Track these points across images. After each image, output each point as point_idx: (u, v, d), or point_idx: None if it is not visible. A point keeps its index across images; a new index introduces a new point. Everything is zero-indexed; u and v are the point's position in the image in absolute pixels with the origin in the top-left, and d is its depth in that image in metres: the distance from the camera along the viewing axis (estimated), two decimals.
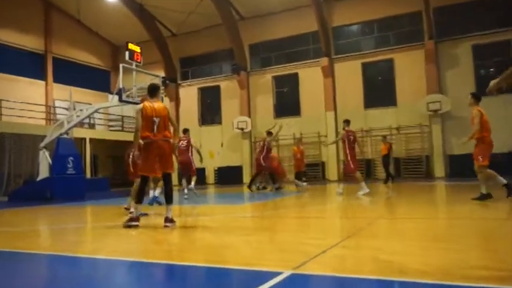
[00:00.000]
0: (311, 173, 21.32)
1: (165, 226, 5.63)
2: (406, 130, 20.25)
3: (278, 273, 2.96)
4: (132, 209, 6.89)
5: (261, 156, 13.36)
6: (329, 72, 21.93)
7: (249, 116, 23.78)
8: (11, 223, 7.58)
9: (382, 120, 20.70)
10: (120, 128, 24.97)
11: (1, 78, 21.47)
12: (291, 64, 23.41)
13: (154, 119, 5.78)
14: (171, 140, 5.92)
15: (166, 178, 5.91)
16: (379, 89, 21.46)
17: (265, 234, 5.07)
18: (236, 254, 3.92)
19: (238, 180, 22.75)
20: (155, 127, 5.78)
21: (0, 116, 18.72)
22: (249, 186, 13.75)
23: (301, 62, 23.12)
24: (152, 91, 6.07)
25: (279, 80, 24.05)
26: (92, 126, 24.04)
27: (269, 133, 13.89)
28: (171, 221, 5.72)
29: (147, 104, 5.85)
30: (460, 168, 18.15)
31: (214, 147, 24.51)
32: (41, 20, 24.45)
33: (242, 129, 23.36)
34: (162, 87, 14.89)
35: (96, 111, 14.88)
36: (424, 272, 2.91)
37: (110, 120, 25.99)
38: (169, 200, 5.83)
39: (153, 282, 3.11)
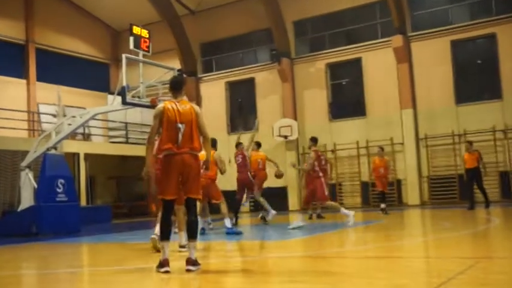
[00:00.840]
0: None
1: (188, 270, 5.70)
2: None
3: None
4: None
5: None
6: (404, 55, 21.64)
7: (295, 119, 23.76)
8: None
9: (481, 120, 20.12)
10: (124, 140, 25.52)
11: None
12: (351, 46, 23.31)
13: (179, 125, 5.84)
14: (201, 154, 5.98)
15: (190, 204, 5.97)
16: (476, 77, 20.95)
17: (322, 281, 5.01)
18: None
19: (281, 206, 22.71)
20: (180, 136, 5.83)
21: None
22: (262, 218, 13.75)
23: (365, 42, 22.98)
24: (176, 87, 6.14)
25: (335, 69, 24.00)
26: (87, 137, 24.73)
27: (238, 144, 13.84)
28: (195, 263, 5.78)
29: (169, 104, 5.91)
30: None
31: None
32: (20, 1, 25.49)
33: (286, 136, 23.33)
34: None
35: (92, 117, 15.29)
36: None
37: (111, 129, 26.62)
38: (193, 234, 5.89)
39: None
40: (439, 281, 4.67)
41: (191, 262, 5.75)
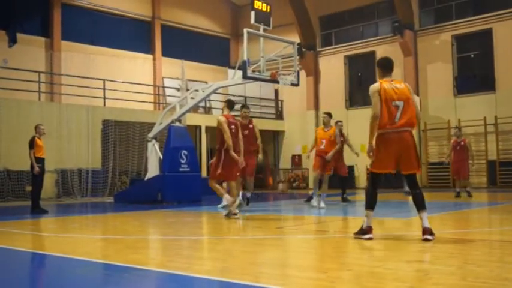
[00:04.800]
0: (510, 176, 19.78)
1: (426, 239, 5.87)
2: None
3: None
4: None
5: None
6: None
7: (417, 94, 22.96)
8: (120, 230, 8.60)
9: None
10: None
11: (101, 53, 24.01)
12: (480, 16, 21.97)
13: (397, 102, 6.07)
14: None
15: (411, 179, 6.26)
16: None
17: (446, 262, 4.87)
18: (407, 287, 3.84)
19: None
20: (398, 114, 6.07)
21: (104, 99, 20.98)
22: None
23: (496, 12, 21.53)
24: (387, 66, 6.40)
25: (462, 41, 22.82)
26: (208, 110, 25.61)
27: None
28: (431, 233, 5.92)
29: (385, 84, 6.16)
30: None
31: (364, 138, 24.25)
32: None
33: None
34: (297, 57, 15.19)
35: (214, 91, 15.77)
36: None
37: None
38: (421, 204, 6.08)
39: None
40: None
41: (428, 231, 5.90)
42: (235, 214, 9.39)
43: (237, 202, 10.23)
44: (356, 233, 6.26)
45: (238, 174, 9.91)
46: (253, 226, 8.82)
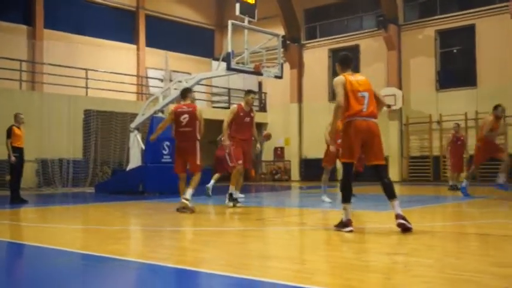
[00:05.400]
0: (490, 171, 20.01)
1: (399, 224, 6.03)
2: None
3: None
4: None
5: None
6: None
7: (400, 88, 23.12)
8: (101, 220, 8.56)
9: None
10: (226, 105, 26.10)
11: (85, 43, 23.79)
12: (464, 12, 22.12)
13: (363, 93, 6.31)
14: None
15: (380, 169, 6.42)
16: None
17: (424, 255, 4.92)
18: (386, 280, 3.89)
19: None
20: (365, 103, 6.29)
21: (86, 89, 20.80)
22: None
23: (479, 8, 21.71)
24: (346, 61, 6.69)
25: (445, 36, 22.97)
26: (193, 102, 25.49)
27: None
28: (404, 218, 6.06)
29: (349, 76, 6.41)
30: None
31: None
32: None
33: (389, 106, 22.79)
34: (281, 50, 15.18)
35: (197, 82, 15.71)
36: None
37: (214, 94, 27.29)
38: (391, 194, 6.30)
39: None
40: None
41: (400, 217, 6.06)
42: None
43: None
44: (336, 226, 6.30)
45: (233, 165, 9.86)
46: (235, 218, 8.82)
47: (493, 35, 21.21)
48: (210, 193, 12.82)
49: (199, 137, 9.19)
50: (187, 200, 8.84)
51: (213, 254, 5.15)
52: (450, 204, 11.23)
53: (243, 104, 10.05)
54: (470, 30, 21.97)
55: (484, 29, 21.50)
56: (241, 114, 9.84)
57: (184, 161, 9.23)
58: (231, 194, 9.87)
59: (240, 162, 9.67)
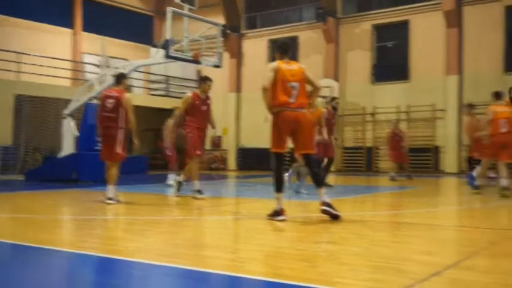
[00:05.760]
0: (419, 162, 20.77)
1: (323, 210, 6.24)
2: None
3: None
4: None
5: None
6: (455, 20, 20.98)
7: (337, 80, 23.54)
8: (30, 209, 8.27)
9: None
10: (164, 93, 25.80)
11: (19, 26, 22.90)
12: (399, 8, 22.73)
13: (293, 84, 6.34)
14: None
15: (307, 159, 6.53)
16: None
17: (351, 243, 5.06)
18: (314, 268, 3.96)
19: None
20: (293, 94, 6.34)
21: (18, 73, 20.03)
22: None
23: (414, 4, 22.36)
24: (284, 48, 6.69)
25: (381, 31, 23.53)
26: (128, 89, 25.04)
27: None
28: (329, 204, 6.25)
29: (283, 65, 6.43)
30: None
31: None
32: None
33: (325, 97, 23.16)
34: (221, 39, 15.14)
35: (135, 69, 15.46)
36: None
37: (152, 81, 26.91)
38: (319, 182, 6.45)
39: None
40: (470, 250, 4.67)
41: (325, 204, 6.24)
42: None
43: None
44: (269, 215, 6.38)
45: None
46: (170, 207, 8.78)
47: (426, 30, 21.92)
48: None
49: (122, 125, 8.70)
50: (110, 199, 8.51)
51: (146, 244, 5.10)
52: (381, 194, 11.59)
53: (198, 91, 9.63)
54: (404, 25, 22.61)
55: (417, 25, 22.19)
56: (197, 102, 9.40)
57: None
58: (179, 182, 9.72)
59: (199, 152, 9.47)
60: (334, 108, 12.37)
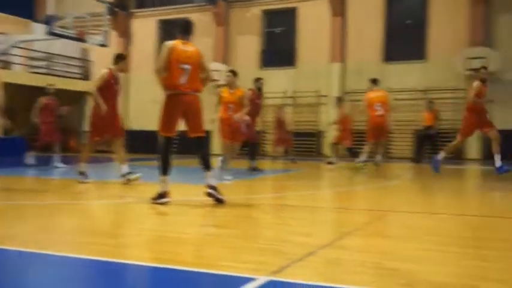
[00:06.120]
0: (303, 146, 21.49)
1: (208, 193, 6.25)
2: (437, 94, 20.40)
3: (249, 279, 3.02)
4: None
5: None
6: (339, 9, 21.81)
7: (226, 64, 23.62)
8: None
9: (405, 79, 20.79)
10: (46, 71, 24.56)
11: None
12: None
13: (185, 66, 6.23)
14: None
15: (198, 142, 6.48)
16: (406, 37, 21.45)
17: (235, 226, 5.14)
18: (197, 252, 3.98)
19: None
20: (185, 76, 6.23)
21: None
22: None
23: None
24: (186, 28, 6.63)
25: (271, 17, 23.87)
26: (6, 65, 23.56)
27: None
28: (214, 187, 6.27)
29: (179, 45, 6.34)
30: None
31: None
32: None
33: (213, 80, 23.23)
34: (107, 17, 14.66)
35: (14, 45, 14.58)
36: (437, 285, 3.01)
37: (33, 58, 25.48)
38: (206, 166, 6.46)
39: None
40: (345, 230, 4.91)
41: (211, 187, 6.24)
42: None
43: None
44: (153, 198, 6.30)
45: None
46: (49, 191, 8.41)
47: (312, 18, 22.55)
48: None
49: None
50: None
51: (18, 230, 4.79)
52: (267, 177, 11.83)
53: (113, 69, 9.02)
54: (292, 12, 23.11)
55: (305, 12, 22.76)
56: (112, 81, 8.95)
57: None
58: (82, 172, 8.94)
59: (97, 138, 8.95)
60: (259, 89, 12.38)
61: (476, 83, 10.70)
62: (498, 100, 19.72)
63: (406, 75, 20.71)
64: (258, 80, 12.59)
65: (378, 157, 12.42)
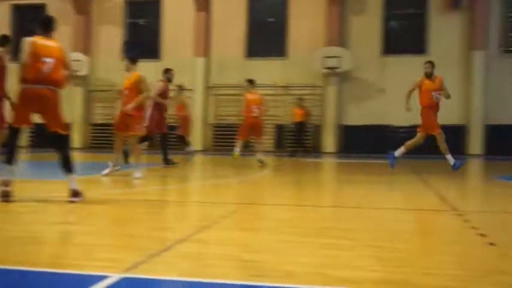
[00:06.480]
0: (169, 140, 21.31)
1: (70, 201, 5.84)
2: (297, 91, 21.25)
3: (102, 277, 2.94)
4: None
5: None
6: (203, 4, 21.90)
7: (87, 54, 22.75)
8: None
9: (266, 75, 21.39)
10: None
11: None
12: None
13: (46, 59, 5.95)
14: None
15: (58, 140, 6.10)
16: (268, 34, 22.06)
17: (90, 223, 4.97)
18: (44, 252, 3.78)
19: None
20: (45, 70, 5.94)
21: None
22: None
23: None
24: (47, 24, 6.38)
25: (134, 7, 23.42)
26: None
27: None
28: (76, 194, 5.93)
29: (39, 40, 6.10)
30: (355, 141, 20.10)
31: None
32: None
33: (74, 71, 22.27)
34: None
35: None
36: (290, 274, 3.12)
37: None
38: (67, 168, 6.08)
39: None
40: (203, 224, 4.93)
41: (72, 193, 5.91)
42: None
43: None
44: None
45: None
46: None
47: (177, 12, 22.45)
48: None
49: None
50: None
51: None
52: (131, 171, 11.52)
53: (1, 52, 8.10)
54: (156, 4, 22.82)
55: (169, 6, 22.60)
56: (6, 64, 8.08)
57: None
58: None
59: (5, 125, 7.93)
60: (169, 80, 11.94)
61: (419, 79, 10.81)
62: (350, 97, 21.17)
63: (267, 71, 21.33)
64: (167, 70, 12.17)
65: (260, 155, 12.67)
